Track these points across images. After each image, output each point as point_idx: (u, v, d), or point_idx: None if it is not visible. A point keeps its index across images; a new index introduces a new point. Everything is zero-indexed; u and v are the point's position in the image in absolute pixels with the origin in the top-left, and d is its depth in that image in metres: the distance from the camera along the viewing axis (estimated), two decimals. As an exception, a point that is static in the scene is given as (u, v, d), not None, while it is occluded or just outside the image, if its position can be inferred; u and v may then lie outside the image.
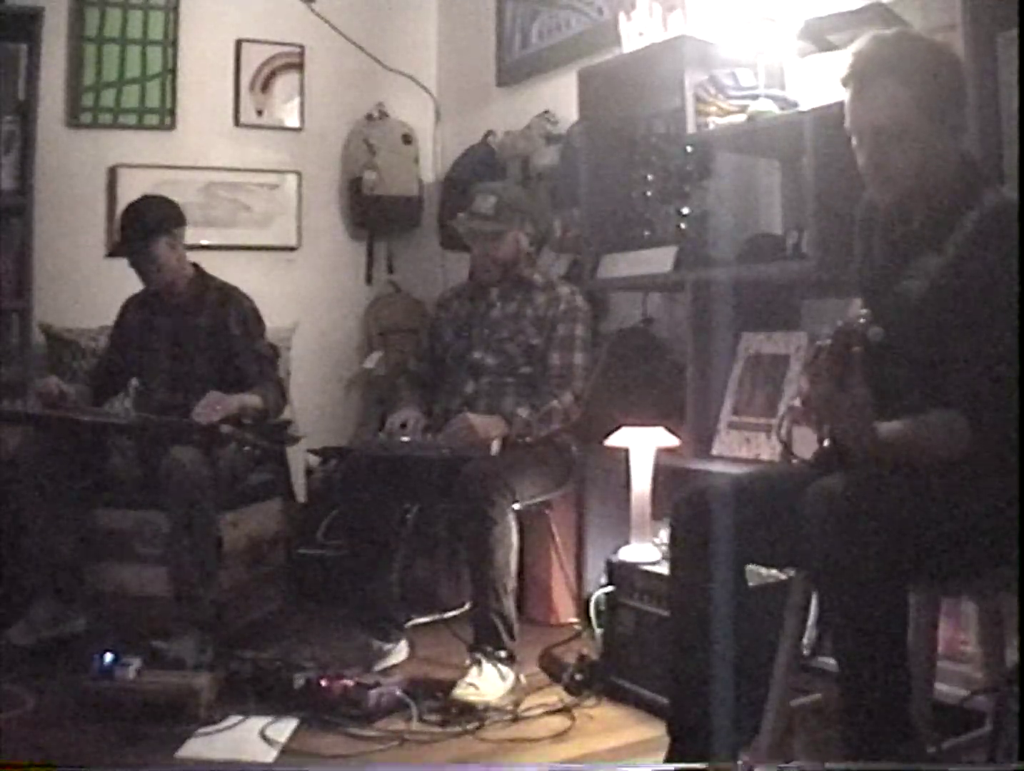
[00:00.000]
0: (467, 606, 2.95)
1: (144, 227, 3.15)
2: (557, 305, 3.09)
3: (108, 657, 2.53)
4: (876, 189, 1.92)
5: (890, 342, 1.76)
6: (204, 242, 3.93)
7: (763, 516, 1.95)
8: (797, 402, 1.88)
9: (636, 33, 3.17)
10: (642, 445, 2.89)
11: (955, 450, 1.75)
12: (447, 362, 3.20)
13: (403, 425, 3.01)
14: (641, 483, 2.87)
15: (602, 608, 2.86)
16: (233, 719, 2.51)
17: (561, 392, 3.01)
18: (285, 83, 4.37)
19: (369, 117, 4.48)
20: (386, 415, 3.20)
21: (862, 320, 1.68)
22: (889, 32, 1.89)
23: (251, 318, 3.30)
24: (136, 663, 2.55)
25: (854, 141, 1.89)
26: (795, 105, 2.71)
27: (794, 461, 2.03)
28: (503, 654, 2.74)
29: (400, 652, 3.02)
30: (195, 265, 3.33)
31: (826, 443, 1.90)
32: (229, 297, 3.30)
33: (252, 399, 3.16)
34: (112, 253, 3.21)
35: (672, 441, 2.91)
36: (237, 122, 4.31)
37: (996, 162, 2.22)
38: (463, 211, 3.17)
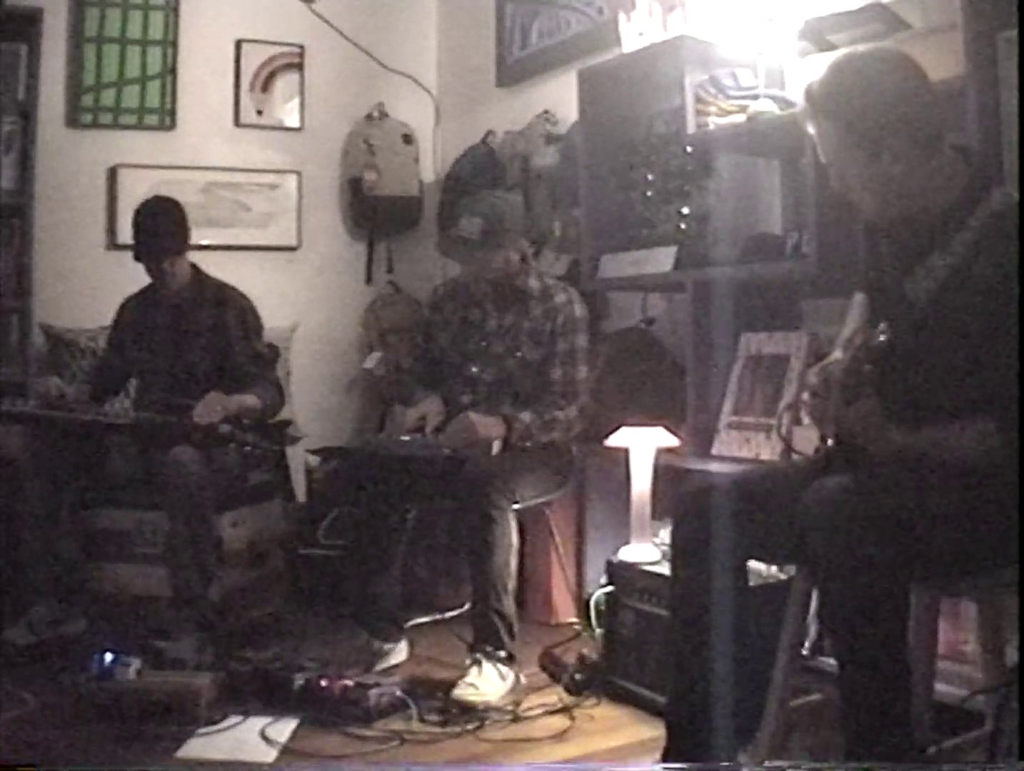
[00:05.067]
0: (467, 606, 2.95)
1: (179, 232, 3.20)
2: (555, 318, 3.01)
3: (108, 657, 2.53)
4: (862, 211, 1.93)
5: (899, 343, 1.76)
6: (204, 242, 3.92)
7: (765, 511, 1.95)
8: (806, 396, 1.87)
9: (636, 33, 3.17)
10: (642, 445, 2.89)
11: (983, 457, 1.74)
12: (443, 368, 3.18)
13: (422, 418, 2.99)
14: (641, 483, 2.87)
15: (602, 608, 2.87)
16: (233, 719, 2.51)
17: (566, 405, 2.98)
18: (285, 83, 4.37)
19: (369, 117, 4.48)
20: (386, 415, 3.20)
21: (882, 337, 1.68)
22: (838, 58, 1.88)
23: (248, 317, 3.30)
24: (136, 663, 2.56)
25: None
26: (795, 105, 2.71)
27: (795, 457, 2.03)
28: (503, 654, 2.73)
29: (400, 652, 3.02)
30: (192, 265, 3.33)
31: (830, 442, 1.90)
32: (226, 297, 3.31)
33: (250, 400, 3.16)
34: (139, 259, 3.21)
35: (672, 441, 2.91)
36: (237, 122, 4.31)
37: (996, 162, 2.21)
38: (452, 226, 3.05)
